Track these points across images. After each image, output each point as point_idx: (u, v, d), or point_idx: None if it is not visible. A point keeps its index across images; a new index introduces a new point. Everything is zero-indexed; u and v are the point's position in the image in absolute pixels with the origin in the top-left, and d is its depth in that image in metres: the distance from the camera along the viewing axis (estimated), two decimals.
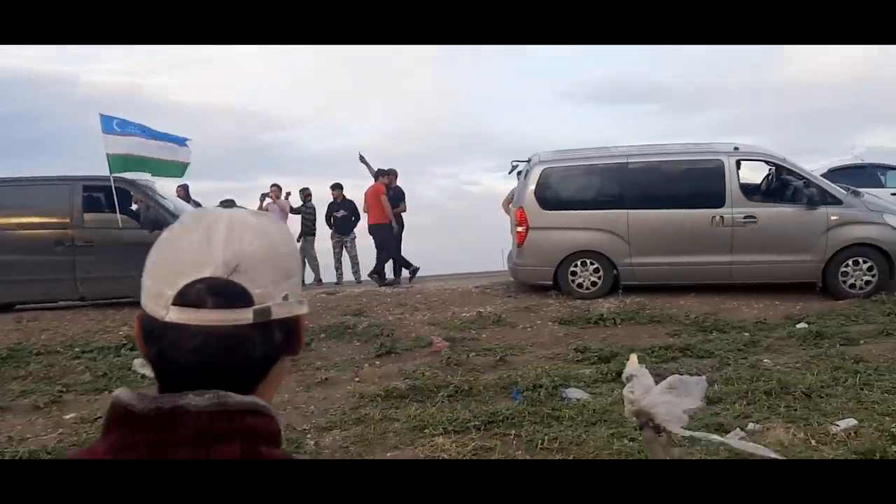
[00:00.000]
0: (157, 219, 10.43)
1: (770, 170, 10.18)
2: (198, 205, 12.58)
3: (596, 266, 9.96)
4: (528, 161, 10.57)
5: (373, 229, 12.23)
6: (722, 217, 9.53)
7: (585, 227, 9.93)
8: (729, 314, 9.08)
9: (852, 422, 5.01)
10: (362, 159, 12.66)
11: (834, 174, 12.27)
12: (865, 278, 9.35)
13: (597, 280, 10.00)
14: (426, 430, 5.55)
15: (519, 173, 10.89)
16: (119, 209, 10.60)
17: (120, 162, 10.80)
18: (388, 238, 12.12)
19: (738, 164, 9.70)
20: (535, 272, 10.32)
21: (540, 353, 7.89)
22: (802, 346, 7.49)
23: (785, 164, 9.85)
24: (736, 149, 9.86)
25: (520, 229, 10.16)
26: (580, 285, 10.01)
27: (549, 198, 10.06)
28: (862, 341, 7.55)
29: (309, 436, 5.77)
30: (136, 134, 11.12)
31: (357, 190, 13.05)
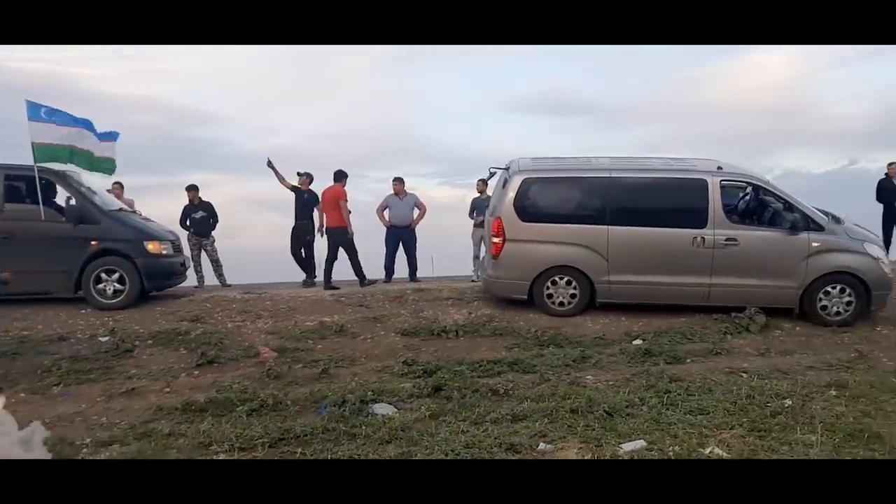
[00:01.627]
0: (83, 213, 10.00)
1: (747, 191, 9.99)
2: (131, 205, 11.96)
3: (572, 282, 9.61)
4: (507, 168, 10.14)
5: (330, 232, 11.83)
6: (703, 238, 9.27)
7: (564, 242, 9.53)
8: (573, 329, 9.03)
9: (641, 444, 4.92)
10: (270, 164, 12.17)
11: None
12: (843, 306, 9.20)
13: (572, 297, 9.63)
14: (211, 448, 5.19)
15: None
16: (42, 201, 9.91)
17: (46, 152, 10.06)
18: (349, 241, 11.71)
19: (721, 184, 9.39)
20: (509, 286, 9.81)
21: (370, 366, 7.60)
22: (629, 363, 7.48)
23: (768, 187, 9.65)
24: (719, 168, 9.55)
25: (496, 240, 9.68)
26: (555, 301, 9.66)
27: (528, 209, 9.59)
28: (688, 360, 7.60)
29: (85, 451, 5.28)
30: (67, 124, 10.36)
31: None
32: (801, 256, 9.19)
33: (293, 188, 12.24)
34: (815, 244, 9.19)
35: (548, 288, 9.63)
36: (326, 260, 11.80)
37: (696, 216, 9.30)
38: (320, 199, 12.14)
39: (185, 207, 12.45)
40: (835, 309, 9.21)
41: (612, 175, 9.56)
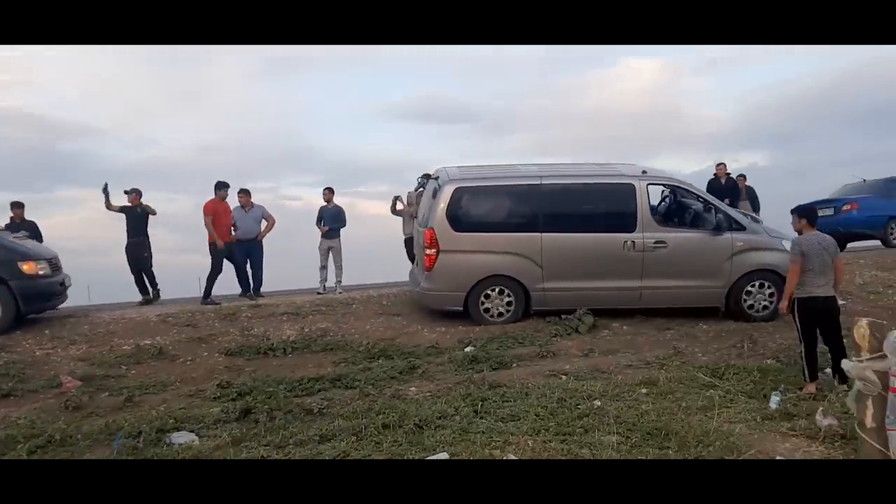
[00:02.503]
0: None
1: (665, 193, 10.17)
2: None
3: (507, 292, 9.40)
4: (436, 178, 9.82)
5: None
6: (633, 242, 9.31)
7: (498, 251, 9.35)
8: (407, 339, 8.90)
9: (444, 455, 4.80)
10: (105, 189, 11.34)
11: None
12: (765, 302, 9.44)
13: (508, 306, 9.44)
14: None
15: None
16: None
17: None
18: (213, 255, 11.21)
19: (647, 188, 9.52)
20: (445, 297, 9.49)
21: (183, 391, 7.14)
22: (456, 371, 7.40)
23: (692, 189, 9.89)
24: (644, 172, 9.68)
25: (430, 252, 9.32)
26: (491, 312, 9.43)
27: (461, 219, 9.34)
28: (514, 364, 7.62)
29: None
30: None
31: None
32: (725, 256, 9.43)
33: (121, 209, 11.48)
34: (738, 244, 9.45)
35: (483, 299, 9.44)
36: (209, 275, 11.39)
37: (625, 220, 9.39)
38: None
39: (6, 226, 11.39)
40: (761, 304, 9.49)
41: (543, 182, 9.51)
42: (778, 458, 4.80)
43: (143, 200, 11.50)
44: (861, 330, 4.30)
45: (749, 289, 9.49)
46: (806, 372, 6.47)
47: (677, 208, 10.09)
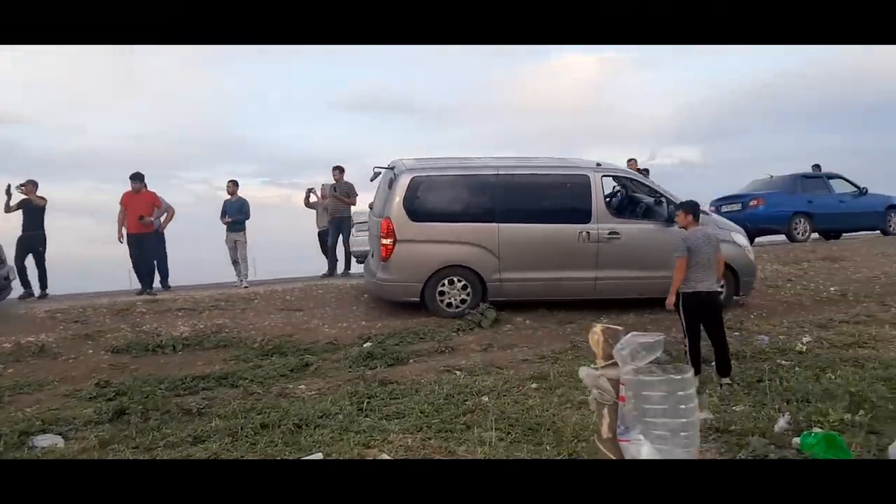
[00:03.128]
0: None
1: (616, 186, 10.38)
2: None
3: (464, 283, 9.34)
4: (392, 168, 9.68)
5: None
6: (588, 233, 9.40)
7: (456, 241, 9.28)
8: (305, 335, 8.71)
9: (318, 456, 4.67)
10: (7, 191, 10.88)
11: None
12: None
13: (465, 297, 9.36)
14: None
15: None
16: None
17: None
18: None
19: (602, 180, 9.65)
20: (401, 288, 9.36)
21: (60, 390, 6.80)
22: (350, 368, 7.26)
23: (644, 181, 10.09)
24: (598, 164, 9.80)
25: (386, 242, 9.18)
26: (447, 303, 9.35)
27: (418, 209, 9.24)
28: (411, 360, 7.54)
29: None
30: None
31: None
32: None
33: (18, 205, 10.90)
34: None
35: (440, 289, 9.35)
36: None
37: (580, 212, 9.48)
38: None
39: None
40: None
41: (500, 173, 9.54)
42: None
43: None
44: (595, 336, 4.01)
45: None
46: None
47: (630, 200, 10.31)
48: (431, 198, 9.41)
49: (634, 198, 10.27)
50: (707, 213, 10.37)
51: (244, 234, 12.03)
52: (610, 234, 9.51)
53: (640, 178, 10.38)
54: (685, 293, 6.60)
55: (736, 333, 8.19)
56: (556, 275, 9.54)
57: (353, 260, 13.51)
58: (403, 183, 9.29)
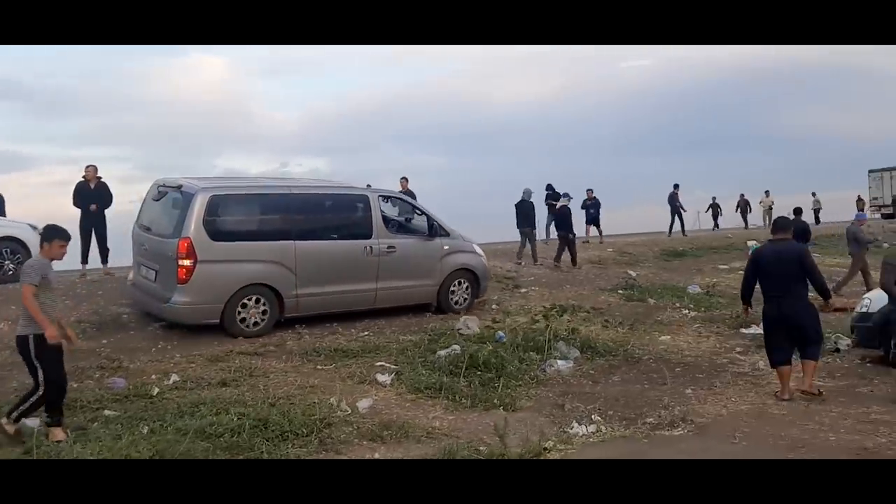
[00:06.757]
0: None
1: (391, 205, 11.80)
2: None
3: (263, 300, 9.49)
4: (178, 188, 9.53)
5: None
6: (371, 247, 10.33)
7: (257, 260, 9.51)
8: None
9: None
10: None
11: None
12: (465, 296, 11.43)
13: (263, 315, 9.54)
14: None
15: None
16: None
17: None
18: None
19: (378, 199, 10.76)
20: (201, 310, 9.17)
21: None
22: None
23: (410, 202, 12.03)
24: (368, 186, 11.38)
25: (186, 263, 8.90)
26: (247, 322, 9.43)
27: (218, 228, 9.26)
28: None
29: None
30: None
31: None
32: (437, 258, 11.14)
33: None
34: (445, 247, 11.23)
35: (240, 309, 9.36)
36: None
37: (364, 228, 10.48)
38: None
39: None
40: (463, 299, 11.46)
41: (292, 192, 10.27)
42: None
43: None
44: None
45: (453, 287, 11.38)
46: None
47: (401, 217, 11.77)
48: (230, 217, 9.59)
49: (404, 215, 11.87)
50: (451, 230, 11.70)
51: None
52: (388, 248, 10.62)
53: (407, 198, 12.43)
54: None
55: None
56: (344, 288, 10.26)
57: None
58: (202, 202, 9.15)
